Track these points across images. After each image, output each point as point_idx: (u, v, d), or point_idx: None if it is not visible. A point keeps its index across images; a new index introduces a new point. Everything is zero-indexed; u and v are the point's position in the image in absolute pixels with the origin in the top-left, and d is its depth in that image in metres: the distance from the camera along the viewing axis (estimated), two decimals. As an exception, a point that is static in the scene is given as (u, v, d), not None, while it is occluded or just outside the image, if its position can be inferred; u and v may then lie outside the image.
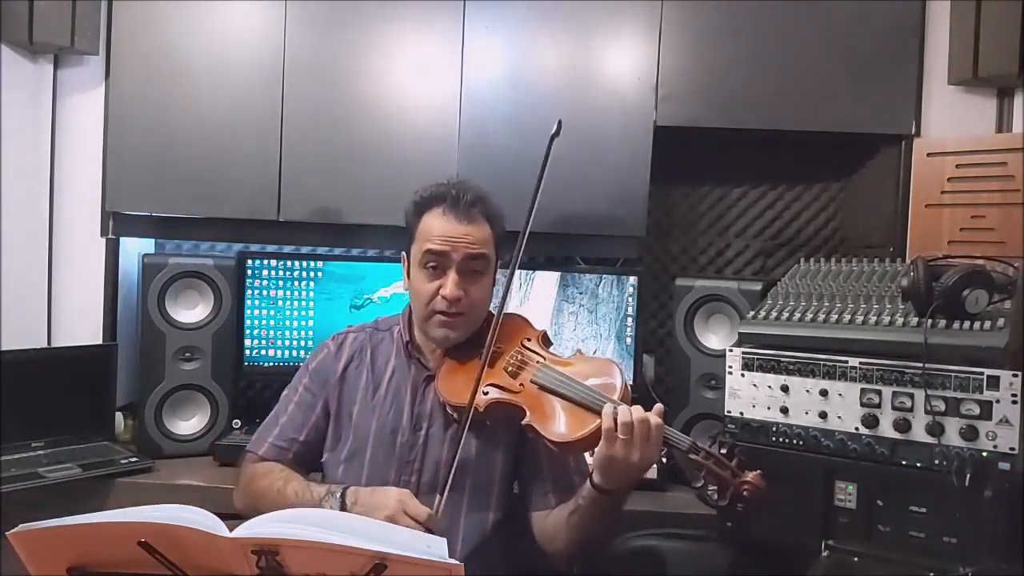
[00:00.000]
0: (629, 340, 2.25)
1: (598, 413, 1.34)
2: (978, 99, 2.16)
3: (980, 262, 1.48)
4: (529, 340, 1.56)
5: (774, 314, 1.59)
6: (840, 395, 1.47)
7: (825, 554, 1.42)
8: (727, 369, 1.58)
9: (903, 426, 1.40)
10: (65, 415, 2.11)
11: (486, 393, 1.46)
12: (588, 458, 1.51)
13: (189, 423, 2.18)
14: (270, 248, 2.37)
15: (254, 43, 2.20)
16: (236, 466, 1.97)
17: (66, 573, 1.05)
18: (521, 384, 1.47)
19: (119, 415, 2.23)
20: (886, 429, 1.42)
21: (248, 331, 2.29)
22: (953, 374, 1.36)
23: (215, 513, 1.04)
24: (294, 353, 2.32)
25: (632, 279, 2.25)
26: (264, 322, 2.30)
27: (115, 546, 1.03)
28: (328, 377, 1.62)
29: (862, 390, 1.44)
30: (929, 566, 1.34)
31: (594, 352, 2.22)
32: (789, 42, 2.19)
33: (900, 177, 2.19)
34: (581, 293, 2.27)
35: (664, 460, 2.04)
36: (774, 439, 1.52)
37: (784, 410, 1.52)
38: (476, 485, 1.52)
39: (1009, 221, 1.96)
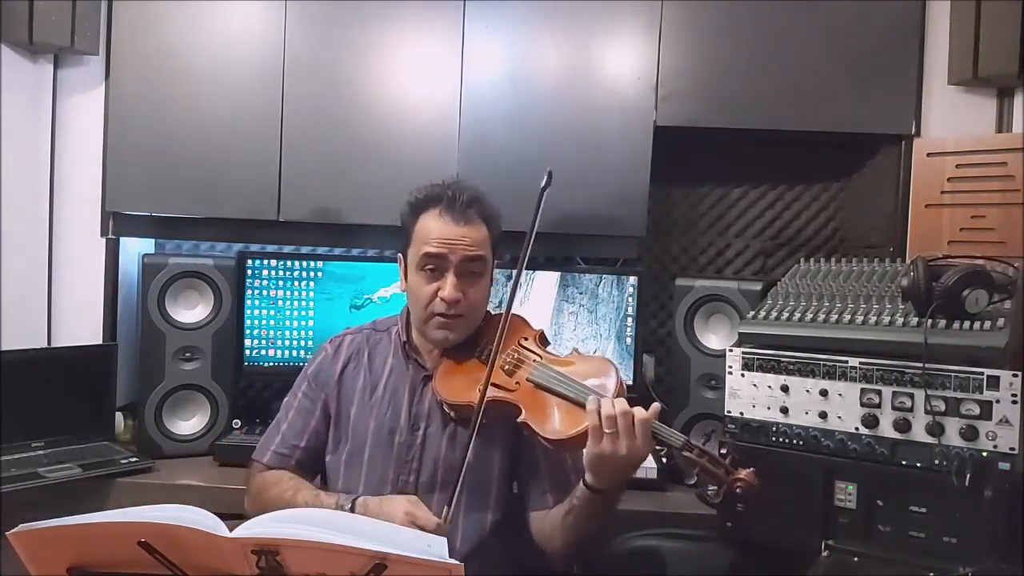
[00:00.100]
0: (629, 340, 2.25)
1: None
2: (978, 99, 2.16)
3: (980, 262, 1.48)
4: (526, 339, 1.56)
5: (774, 314, 1.59)
6: (840, 395, 1.47)
7: (825, 554, 1.42)
8: (727, 369, 1.58)
9: (903, 426, 1.40)
10: (65, 415, 2.11)
11: (481, 391, 1.46)
12: None
13: (189, 423, 2.18)
14: (270, 248, 2.37)
15: (254, 43, 2.20)
16: (236, 466, 1.99)
17: (66, 573, 1.05)
18: (517, 383, 1.47)
19: (119, 415, 2.23)
20: (886, 429, 1.42)
21: (248, 331, 2.29)
22: (953, 374, 1.36)
23: (215, 513, 1.04)
24: (294, 353, 2.32)
25: (632, 279, 2.25)
26: (264, 322, 2.30)
27: (115, 546, 1.03)
28: (327, 380, 1.63)
29: (862, 390, 1.44)
30: (929, 566, 1.34)
31: (594, 352, 2.22)
32: (789, 42, 2.19)
33: (900, 177, 2.19)
34: (581, 293, 2.27)
35: (664, 460, 2.05)
36: (774, 439, 1.52)
37: (784, 410, 1.52)
38: (474, 485, 1.52)
39: (1009, 221, 1.96)
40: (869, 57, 2.18)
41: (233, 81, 2.19)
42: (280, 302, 2.31)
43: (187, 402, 2.18)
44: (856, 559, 1.40)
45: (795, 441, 1.50)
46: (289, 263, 2.30)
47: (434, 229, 1.52)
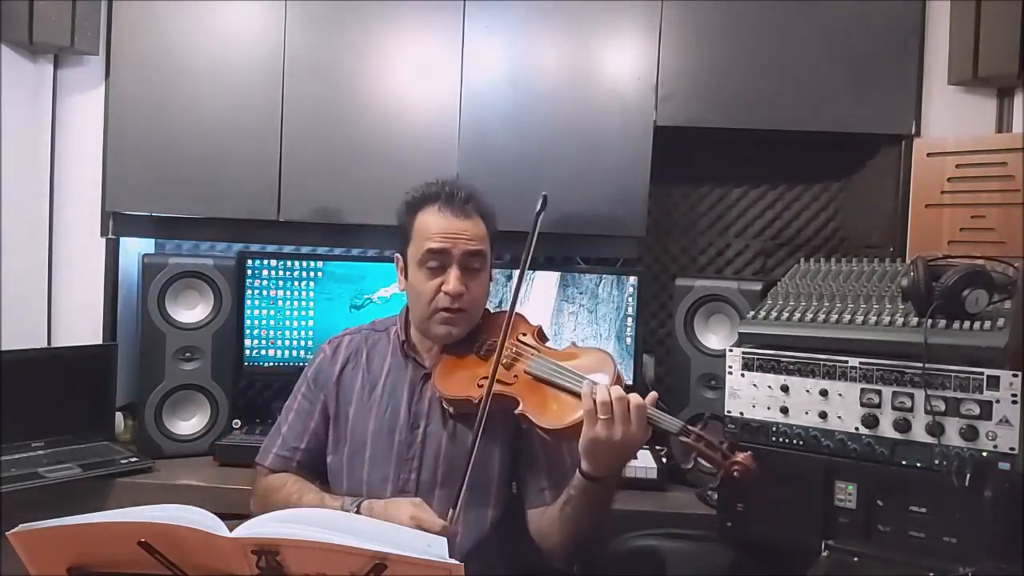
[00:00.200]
0: (629, 340, 2.25)
1: None
2: (978, 99, 2.16)
3: (980, 262, 1.47)
4: (525, 335, 1.57)
5: (774, 314, 1.59)
6: (840, 395, 1.47)
7: (825, 554, 1.42)
8: (727, 369, 1.58)
9: (903, 426, 1.40)
10: (65, 415, 2.11)
11: (480, 386, 1.46)
12: None
13: (189, 423, 2.18)
14: (270, 248, 2.37)
15: (254, 43, 2.20)
16: (236, 466, 1.99)
17: (66, 573, 1.05)
18: (515, 376, 1.48)
19: (119, 415, 2.23)
20: (886, 429, 1.42)
21: (248, 331, 2.29)
22: (953, 374, 1.36)
23: (215, 513, 1.04)
24: (294, 353, 2.32)
25: (632, 279, 2.25)
26: (264, 322, 2.30)
27: (115, 546, 1.03)
28: (325, 381, 1.63)
29: (862, 390, 1.44)
30: (929, 566, 1.33)
31: (594, 351, 2.22)
32: (789, 42, 2.19)
33: (900, 177, 2.19)
34: (581, 293, 2.27)
35: (664, 460, 2.05)
36: (774, 439, 1.52)
37: (784, 410, 1.51)
38: (475, 483, 1.52)
39: (1009, 221, 1.96)
40: (869, 57, 2.18)
41: (233, 81, 2.19)
42: (280, 302, 2.31)
43: (187, 402, 2.18)
44: (856, 559, 1.40)
45: (795, 441, 1.50)
46: (289, 263, 2.30)
47: (435, 225, 1.52)
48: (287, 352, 2.32)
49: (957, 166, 2.07)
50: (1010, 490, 1.30)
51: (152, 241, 2.41)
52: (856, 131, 2.23)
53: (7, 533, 1.03)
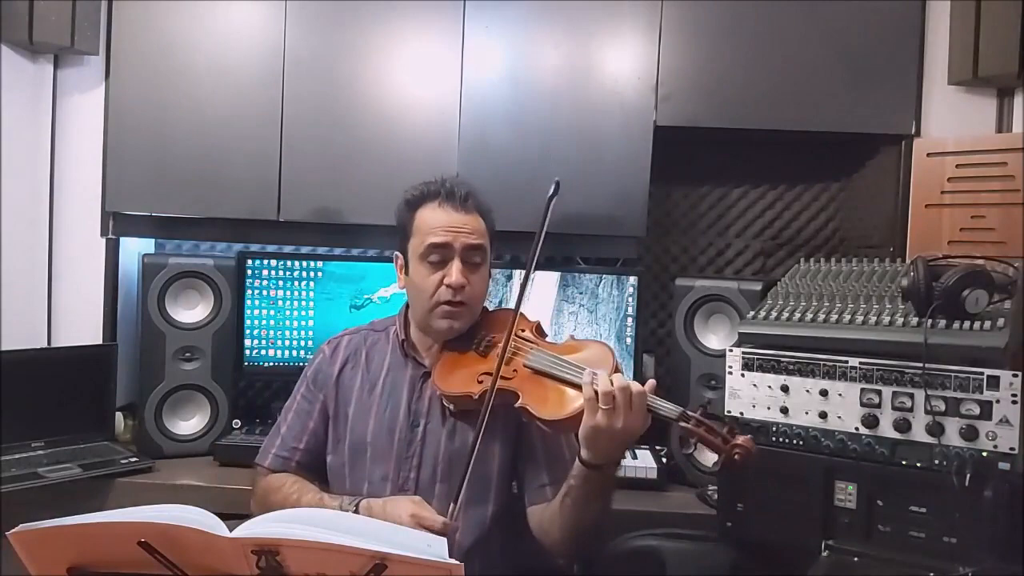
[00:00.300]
0: (629, 340, 2.25)
1: None
2: (978, 99, 2.16)
3: (980, 262, 1.47)
4: (523, 330, 1.57)
5: (774, 314, 1.59)
6: (840, 395, 1.47)
7: (825, 554, 1.42)
8: (727, 369, 1.58)
9: (903, 426, 1.40)
10: (65, 415, 2.11)
11: (480, 382, 1.47)
12: None
13: (189, 423, 2.18)
14: (270, 248, 2.37)
15: (254, 43, 2.20)
16: (236, 466, 1.99)
17: (66, 573, 1.05)
18: (515, 370, 1.48)
19: (119, 415, 2.23)
20: (886, 429, 1.42)
21: (248, 331, 2.29)
22: (953, 374, 1.36)
23: (215, 513, 1.04)
24: (294, 353, 2.32)
25: (632, 279, 2.25)
26: (264, 322, 2.30)
27: (115, 546, 1.03)
28: (324, 381, 1.63)
29: (862, 390, 1.44)
30: (929, 566, 1.34)
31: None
32: (789, 42, 2.19)
33: (900, 177, 2.19)
34: (581, 293, 2.27)
35: (664, 460, 2.05)
36: (774, 439, 1.52)
37: (784, 410, 1.52)
38: (475, 479, 1.52)
39: (1009, 221, 1.96)
40: (869, 57, 2.18)
41: (233, 81, 2.19)
42: (280, 302, 2.31)
43: (187, 402, 2.18)
44: (856, 559, 1.40)
45: (795, 441, 1.50)
46: (289, 263, 2.30)
47: (436, 219, 1.53)
48: (287, 352, 2.32)
49: (957, 166, 2.07)
50: (1010, 490, 1.30)
51: (152, 241, 2.41)
52: (856, 131, 2.22)
53: (7, 533, 1.03)
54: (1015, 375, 1.31)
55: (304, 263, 2.31)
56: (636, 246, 2.30)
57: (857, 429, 1.45)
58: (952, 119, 2.17)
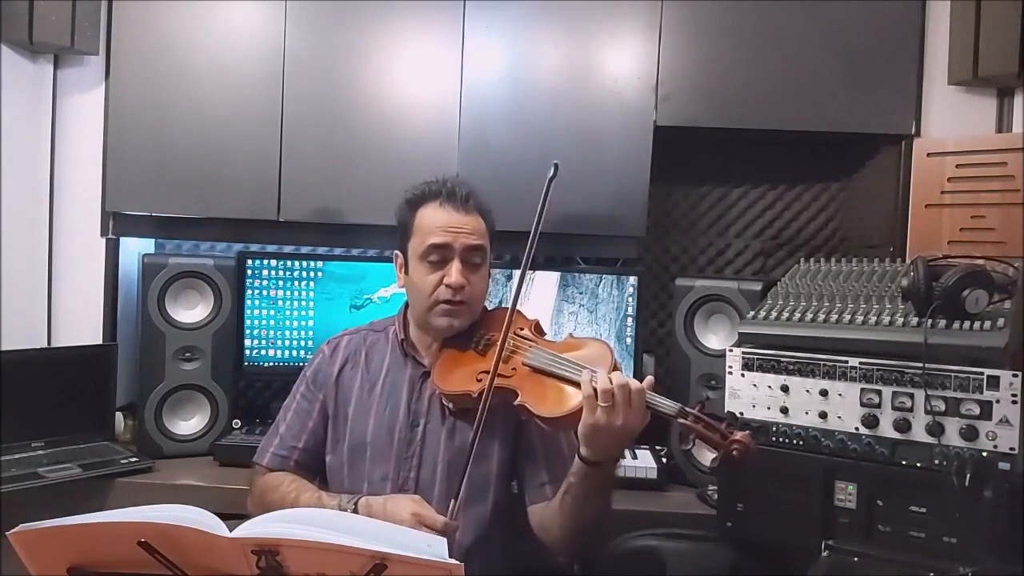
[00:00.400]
0: (629, 340, 2.25)
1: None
2: (978, 99, 2.16)
3: (980, 262, 1.47)
4: (522, 329, 1.57)
5: (774, 314, 1.59)
6: (840, 395, 1.47)
7: (825, 554, 1.42)
8: (727, 369, 1.58)
9: (903, 426, 1.40)
10: (65, 415, 2.11)
11: (479, 380, 1.47)
12: None
13: (189, 423, 2.19)
14: (270, 248, 2.37)
15: (254, 43, 2.20)
16: (236, 466, 1.99)
17: (66, 573, 1.05)
18: (514, 368, 1.48)
19: (119, 415, 2.23)
20: (886, 429, 1.42)
21: (248, 331, 2.29)
22: (953, 374, 1.36)
23: (215, 513, 1.04)
24: (294, 353, 2.32)
25: (632, 279, 2.25)
26: (264, 322, 2.30)
27: (115, 546, 1.03)
28: (324, 381, 1.64)
29: (862, 390, 1.44)
30: (929, 566, 1.34)
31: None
32: (789, 42, 2.19)
33: (900, 177, 2.19)
34: (581, 293, 2.27)
35: (664, 460, 2.05)
36: (774, 439, 1.52)
37: (784, 410, 1.51)
38: (474, 478, 1.52)
39: (1009, 221, 1.96)
40: (869, 57, 2.18)
41: (233, 81, 2.19)
42: (280, 302, 2.31)
43: (187, 402, 2.18)
44: (856, 559, 1.40)
45: (795, 441, 1.50)
46: (289, 263, 2.30)
47: (437, 219, 1.54)
48: (287, 352, 2.32)
49: (957, 166, 2.07)
50: (1010, 490, 1.30)
51: (152, 241, 2.41)
52: (856, 131, 2.22)
53: (7, 533, 1.03)
54: (1015, 375, 1.31)
55: (304, 263, 2.31)
56: (636, 246, 2.30)
57: (857, 429, 1.45)
58: (952, 119, 2.17)
